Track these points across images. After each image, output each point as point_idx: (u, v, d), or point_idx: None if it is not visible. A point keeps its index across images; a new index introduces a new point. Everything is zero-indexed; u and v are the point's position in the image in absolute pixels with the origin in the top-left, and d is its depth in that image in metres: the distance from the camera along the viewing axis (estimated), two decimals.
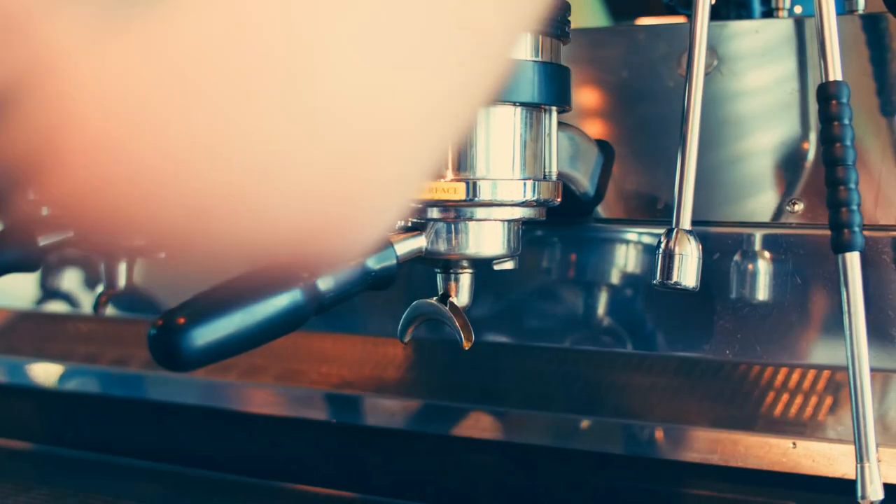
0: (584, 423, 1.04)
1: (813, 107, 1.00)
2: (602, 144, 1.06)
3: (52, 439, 1.34)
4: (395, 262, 0.88)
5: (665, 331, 1.02)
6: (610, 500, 1.02)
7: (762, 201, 0.99)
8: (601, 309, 1.04)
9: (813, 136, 1.00)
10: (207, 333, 0.77)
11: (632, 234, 1.03)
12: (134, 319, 1.27)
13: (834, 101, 0.87)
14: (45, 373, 1.35)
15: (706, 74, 1.00)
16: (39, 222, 1.07)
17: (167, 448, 1.25)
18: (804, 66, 1.02)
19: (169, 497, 1.20)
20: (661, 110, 1.06)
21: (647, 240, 1.03)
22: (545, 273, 1.06)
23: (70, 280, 1.31)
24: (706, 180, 0.99)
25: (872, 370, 0.86)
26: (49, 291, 1.33)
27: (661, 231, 0.96)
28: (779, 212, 0.98)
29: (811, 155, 0.98)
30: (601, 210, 1.06)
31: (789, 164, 0.99)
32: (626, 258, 1.04)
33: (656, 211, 1.04)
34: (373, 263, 0.86)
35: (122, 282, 1.11)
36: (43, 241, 1.05)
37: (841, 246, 0.86)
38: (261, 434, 1.21)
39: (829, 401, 0.96)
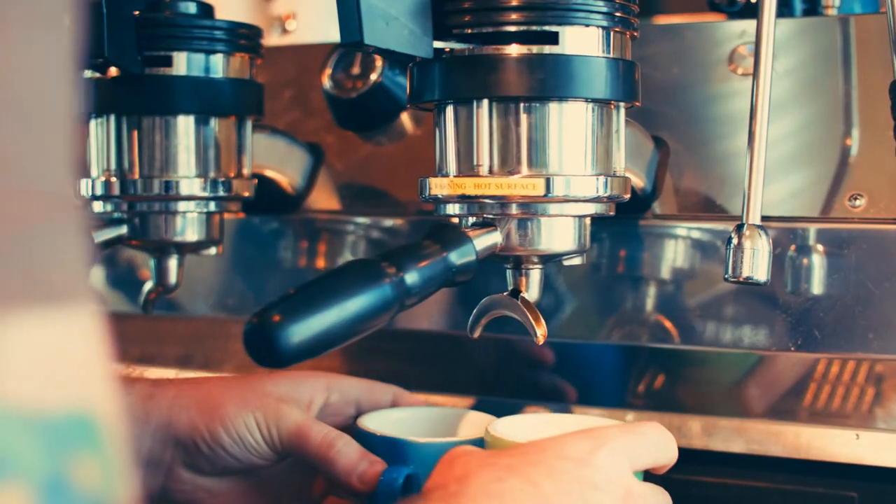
0: (644, 417, 1.05)
1: (865, 104, 1.01)
2: (657, 140, 1.06)
3: None
4: (474, 257, 0.88)
5: (728, 325, 1.03)
6: (672, 492, 1.02)
7: (823, 196, 1.00)
8: (664, 304, 1.05)
9: (856, 132, 1.01)
10: (302, 330, 0.77)
11: (694, 229, 1.04)
12: (180, 317, 1.27)
13: None
14: None
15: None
16: (94, 219, 1.07)
17: None
18: (850, 63, 1.03)
19: None
20: (707, 107, 1.07)
21: (707, 235, 1.04)
22: (608, 267, 1.07)
23: (121, 278, 1.30)
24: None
25: None
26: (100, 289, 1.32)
27: (723, 227, 0.97)
28: (841, 207, 0.99)
29: (871, 150, 0.99)
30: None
31: (849, 160, 1.00)
32: (688, 253, 1.05)
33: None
34: (455, 258, 0.86)
35: (172, 279, 1.10)
36: (98, 238, 1.05)
37: None
38: None
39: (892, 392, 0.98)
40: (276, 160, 1.18)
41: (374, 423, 0.97)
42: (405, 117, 1.20)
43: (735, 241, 0.91)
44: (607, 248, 1.06)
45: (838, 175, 1.00)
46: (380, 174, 1.20)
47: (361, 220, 1.20)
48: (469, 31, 0.88)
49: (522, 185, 0.88)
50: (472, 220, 0.91)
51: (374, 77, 1.18)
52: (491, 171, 0.89)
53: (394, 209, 1.19)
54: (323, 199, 1.21)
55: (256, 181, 1.11)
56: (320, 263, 1.21)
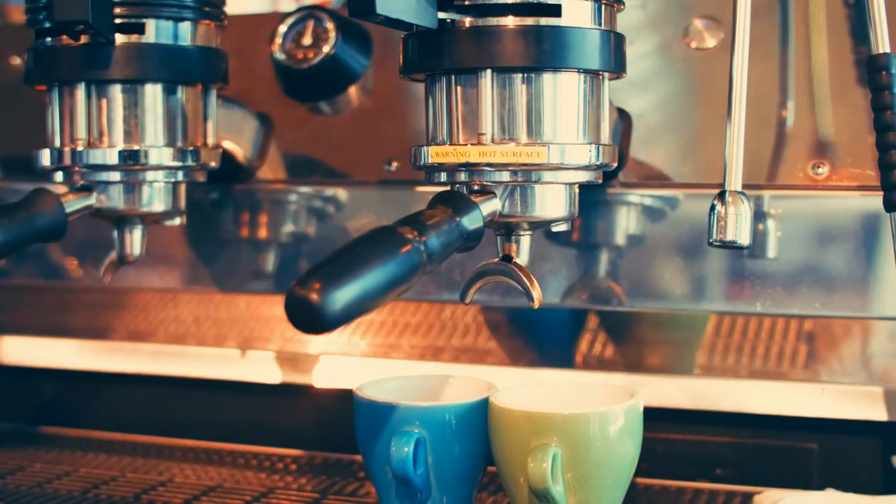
0: (613, 378, 1.09)
1: (828, 75, 1.06)
2: (620, 111, 1.10)
3: None
4: (482, 223, 0.90)
5: (692, 287, 1.07)
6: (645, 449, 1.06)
7: (789, 165, 1.05)
8: (632, 268, 1.09)
9: (817, 103, 1.07)
10: (343, 296, 0.78)
11: (660, 197, 1.08)
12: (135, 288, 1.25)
13: (884, 72, 0.94)
14: None
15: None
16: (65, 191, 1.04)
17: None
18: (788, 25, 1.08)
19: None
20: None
21: (673, 202, 1.08)
22: (580, 233, 1.11)
23: (83, 250, 1.27)
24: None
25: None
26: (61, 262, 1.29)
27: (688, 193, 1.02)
28: (805, 174, 1.05)
29: (834, 120, 1.04)
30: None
31: (813, 129, 1.05)
32: (654, 219, 1.08)
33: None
34: (467, 224, 0.88)
35: (136, 250, 1.09)
36: (68, 209, 1.03)
37: (892, 205, 0.93)
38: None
39: (861, 349, 1.04)
40: (232, 130, 1.17)
41: (372, 392, 0.98)
42: (354, 90, 1.21)
43: (718, 206, 0.96)
44: (581, 216, 1.10)
45: (802, 143, 1.05)
46: (330, 145, 1.21)
47: (312, 189, 1.20)
48: (471, 1, 0.90)
49: (527, 153, 0.90)
50: (467, 188, 0.93)
51: (326, 49, 1.18)
52: (492, 140, 0.91)
53: (347, 179, 1.19)
54: (273, 169, 1.21)
55: (221, 150, 1.10)
56: (267, 234, 1.22)
